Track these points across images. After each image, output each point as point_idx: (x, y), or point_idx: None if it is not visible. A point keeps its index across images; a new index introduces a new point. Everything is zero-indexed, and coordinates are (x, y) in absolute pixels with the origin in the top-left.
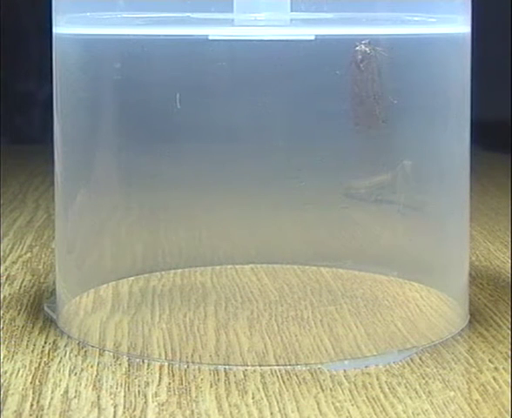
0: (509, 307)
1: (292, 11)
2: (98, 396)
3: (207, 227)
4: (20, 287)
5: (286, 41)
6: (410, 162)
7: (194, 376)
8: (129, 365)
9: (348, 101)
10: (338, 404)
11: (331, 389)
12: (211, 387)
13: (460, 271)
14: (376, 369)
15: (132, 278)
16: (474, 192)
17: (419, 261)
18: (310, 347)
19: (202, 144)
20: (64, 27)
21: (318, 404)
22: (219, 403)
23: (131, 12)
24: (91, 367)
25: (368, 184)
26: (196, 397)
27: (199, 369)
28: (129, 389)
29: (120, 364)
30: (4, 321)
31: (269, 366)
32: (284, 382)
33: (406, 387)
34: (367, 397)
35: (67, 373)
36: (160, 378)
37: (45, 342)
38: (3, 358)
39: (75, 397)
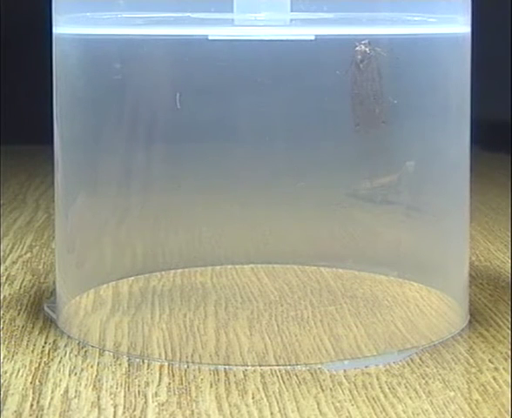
0: (509, 307)
1: (292, 11)
2: (98, 396)
3: (207, 227)
4: (20, 287)
5: (286, 41)
6: (412, 162)
7: (194, 376)
8: (129, 365)
9: (348, 101)
10: (338, 404)
11: (331, 389)
12: (211, 387)
13: (460, 271)
14: (376, 369)
15: (132, 278)
16: (474, 192)
17: (419, 261)
18: (310, 347)
19: (202, 144)
20: (63, 27)
21: (318, 404)
22: (219, 403)
23: (131, 12)
24: (91, 367)
25: (368, 184)
26: (196, 397)
27: (199, 369)
28: (129, 389)
29: (120, 364)
30: (4, 321)
31: (269, 366)
32: (284, 382)
33: (406, 387)
34: (367, 397)
35: (67, 373)
36: (160, 378)
37: (45, 342)
38: (3, 358)
39: (75, 397)
